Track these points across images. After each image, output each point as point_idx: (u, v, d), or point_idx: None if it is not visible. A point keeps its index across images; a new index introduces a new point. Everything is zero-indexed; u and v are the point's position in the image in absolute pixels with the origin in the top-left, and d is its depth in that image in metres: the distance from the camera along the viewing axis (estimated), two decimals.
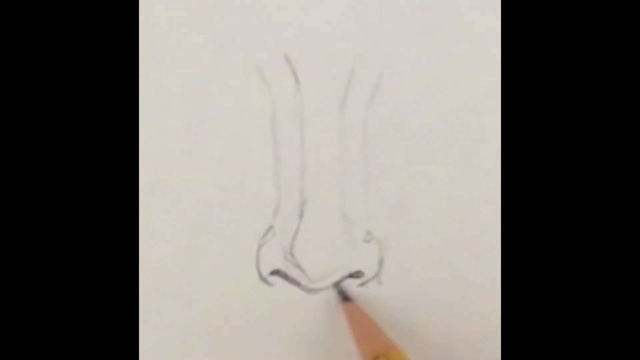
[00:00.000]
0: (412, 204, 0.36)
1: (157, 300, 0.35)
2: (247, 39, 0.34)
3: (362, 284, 0.37)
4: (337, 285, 0.36)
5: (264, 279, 0.36)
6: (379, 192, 0.36)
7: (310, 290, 0.36)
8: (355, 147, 0.35)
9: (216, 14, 0.34)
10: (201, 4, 0.34)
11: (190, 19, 0.34)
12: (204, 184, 0.35)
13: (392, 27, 0.35)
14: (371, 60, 0.35)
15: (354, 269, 0.36)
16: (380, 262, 0.36)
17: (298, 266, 0.36)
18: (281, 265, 0.36)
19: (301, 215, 0.36)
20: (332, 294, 0.36)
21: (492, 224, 0.35)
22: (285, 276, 0.36)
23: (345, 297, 0.36)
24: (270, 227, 0.36)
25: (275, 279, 0.36)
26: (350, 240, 0.36)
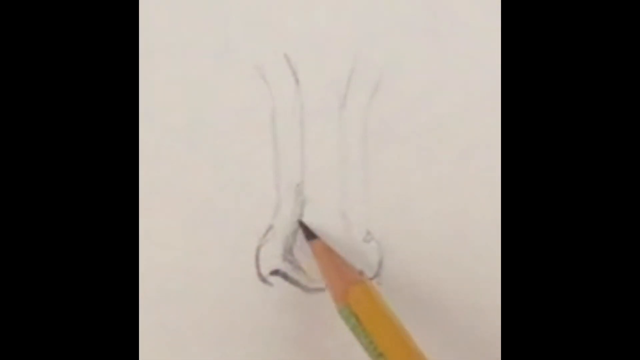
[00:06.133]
0: (412, 204, 0.36)
1: (157, 300, 0.35)
2: (247, 39, 0.34)
3: None
4: (301, 223, 0.35)
5: (263, 279, 0.36)
6: (379, 192, 0.36)
7: (310, 290, 0.36)
8: (355, 147, 0.35)
9: (216, 14, 0.34)
10: (201, 4, 0.33)
11: (191, 19, 0.34)
12: (203, 184, 0.35)
13: (392, 27, 0.35)
14: (371, 60, 0.35)
15: None
16: (380, 263, 0.36)
17: (298, 266, 0.36)
18: (281, 265, 0.36)
19: (301, 215, 0.36)
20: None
21: (492, 224, 0.35)
22: (285, 276, 0.36)
23: (311, 234, 0.35)
24: (270, 227, 0.36)
25: (275, 279, 0.36)
26: (350, 240, 0.36)
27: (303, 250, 0.36)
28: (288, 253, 0.36)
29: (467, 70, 0.35)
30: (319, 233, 0.36)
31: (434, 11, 0.35)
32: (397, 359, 0.32)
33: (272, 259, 0.36)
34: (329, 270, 0.34)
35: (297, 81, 0.35)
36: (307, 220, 0.36)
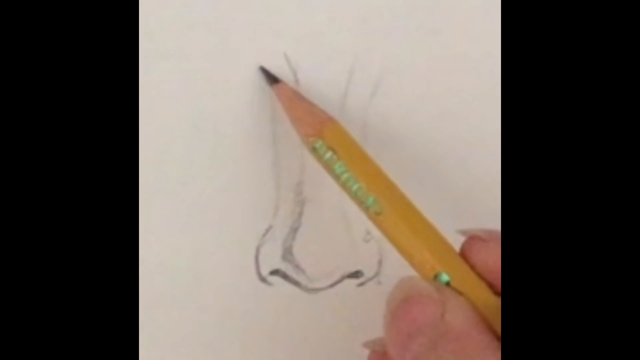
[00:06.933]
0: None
1: (157, 300, 0.35)
2: (247, 39, 0.34)
3: (362, 284, 0.37)
4: (262, 69, 0.34)
5: (263, 279, 0.36)
6: None
7: (310, 290, 0.36)
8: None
9: (216, 14, 0.34)
10: (201, 4, 0.33)
11: (191, 18, 0.33)
12: (203, 184, 0.35)
13: (392, 27, 0.35)
14: (371, 60, 0.35)
15: (353, 269, 0.36)
16: (380, 262, 0.36)
17: (298, 266, 0.36)
18: (281, 265, 0.36)
19: (301, 215, 0.36)
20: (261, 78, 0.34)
21: (492, 224, 0.35)
22: (284, 276, 0.36)
23: (273, 79, 0.34)
24: (270, 227, 0.36)
25: (274, 279, 0.36)
26: (350, 240, 0.36)
27: (303, 250, 0.36)
28: (288, 253, 0.36)
29: (467, 70, 0.35)
30: (319, 233, 0.36)
31: (434, 11, 0.35)
32: (375, 186, 0.31)
33: (272, 259, 0.36)
34: (298, 110, 0.33)
35: (297, 81, 0.35)
36: (307, 220, 0.36)
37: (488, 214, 0.36)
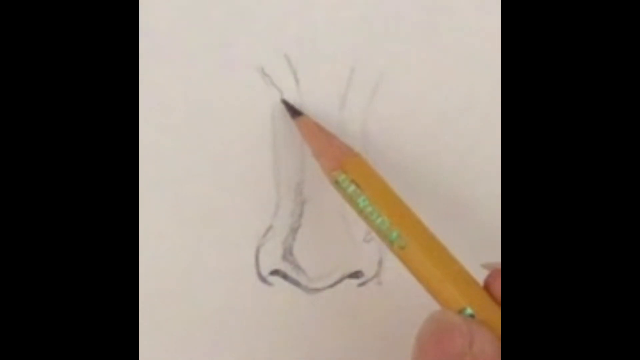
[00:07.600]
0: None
1: (157, 300, 0.35)
2: (247, 39, 0.34)
3: (362, 284, 0.37)
4: (284, 102, 0.34)
5: (263, 279, 0.36)
6: None
7: (310, 290, 0.36)
8: (355, 147, 0.35)
9: (216, 14, 0.34)
10: (201, 4, 0.33)
11: (191, 18, 0.34)
12: (203, 184, 0.35)
13: (392, 27, 0.35)
14: (371, 60, 0.35)
15: (353, 269, 0.36)
16: (380, 262, 0.36)
17: (298, 266, 0.36)
18: (281, 265, 0.36)
19: (301, 215, 0.36)
20: (282, 109, 0.35)
21: (492, 225, 0.35)
22: (284, 276, 0.36)
23: (295, 112, 0.34)
24: (270, 227, 0.36)
25: (275, 279, 0.36)
26: (350, 240, 0.36)
27: (303, 250, 0.36)
28: (288, 253, 0.36)
29: (467, 70, 0.35)
30: (319, 233, 0.36)
31: (433, 12, 0.35)
32: (399, 220, 0.31)
33: (272, 259, 0.36)
34: (321, 143, 0.33)
35: (297, 81, 0.35)
36: (307, 220, 0.36)
37: (488, 214, 0.36)
